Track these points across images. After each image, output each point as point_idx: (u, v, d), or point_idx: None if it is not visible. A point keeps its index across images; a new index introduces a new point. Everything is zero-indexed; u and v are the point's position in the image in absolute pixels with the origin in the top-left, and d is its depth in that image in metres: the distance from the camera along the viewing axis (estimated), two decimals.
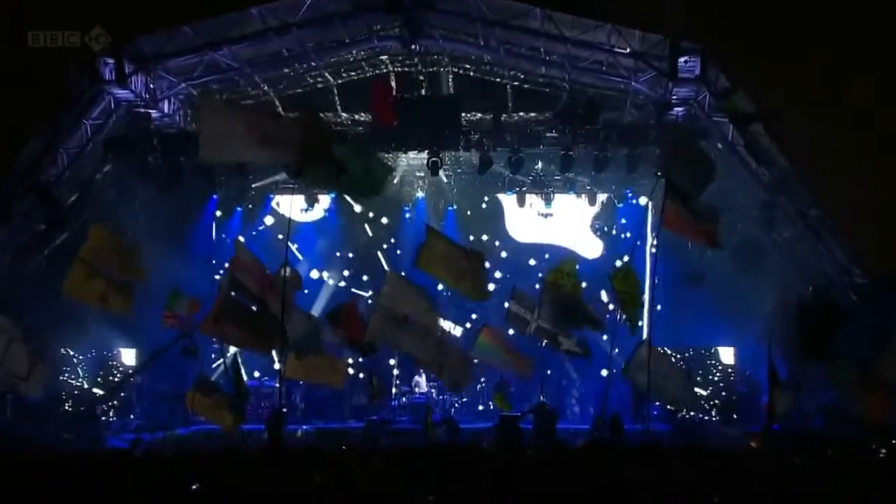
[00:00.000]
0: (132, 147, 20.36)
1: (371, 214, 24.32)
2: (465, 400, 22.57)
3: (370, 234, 24.71)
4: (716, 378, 21.22)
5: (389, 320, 13.75)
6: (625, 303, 13.33)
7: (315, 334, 14.08)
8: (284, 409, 19.76)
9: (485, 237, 24.92)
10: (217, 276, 22.73)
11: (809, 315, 17.80)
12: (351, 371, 22.96)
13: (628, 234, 23.49)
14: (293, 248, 23.13)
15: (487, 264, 15.20)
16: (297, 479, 8.03)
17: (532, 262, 24.53)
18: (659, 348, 13.25)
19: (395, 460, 8.86)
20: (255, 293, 12.88)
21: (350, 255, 24.75)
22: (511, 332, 16.93)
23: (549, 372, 21.91)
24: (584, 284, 21.59)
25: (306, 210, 23.73)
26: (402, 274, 15.23)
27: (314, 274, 23.87)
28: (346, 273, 24.54)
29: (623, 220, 23.88)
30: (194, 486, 7.84)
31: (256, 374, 22.39)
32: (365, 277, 24.54)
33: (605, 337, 17.84)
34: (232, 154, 11.44)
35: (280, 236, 23.31)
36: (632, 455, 9.35)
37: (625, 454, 9.47)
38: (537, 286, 22.14)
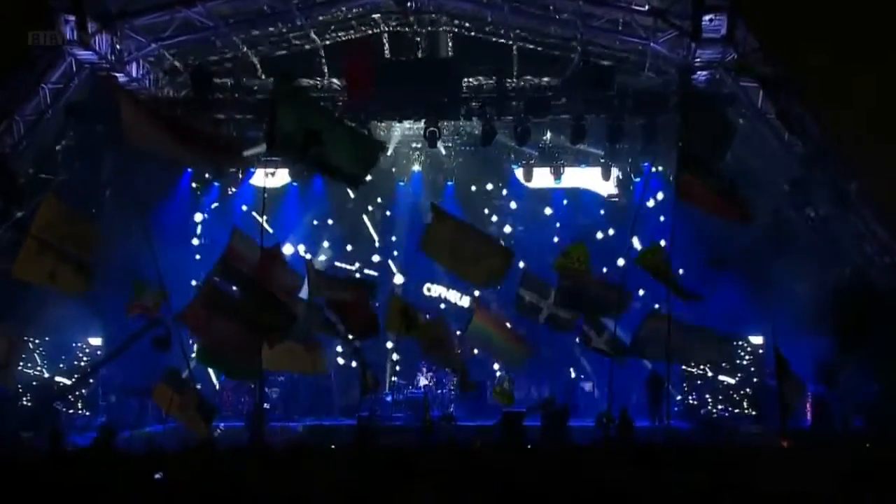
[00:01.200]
0: (97, 114, 19.87)
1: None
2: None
3: (352, 195, 24.29)
4: (744, 364, 21.04)
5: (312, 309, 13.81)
6: (660, 282, 13.31)
7: (308, 322, 13.92)
8: (266, 405, 19.68)
9: (489, 186, 24.59)
10: (189, 243, 22.90)
11: (847, 300, 17.70)
12: (341, 361, 22.95)
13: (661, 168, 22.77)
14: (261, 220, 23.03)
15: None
16: (282, 479, 8.14)
17: (548, 210, 24.28)
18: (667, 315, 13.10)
19: (388, 460, 8.92)
20: (255, 282, 12.69)
21: (330, 221, 24.44)
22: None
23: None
24: (611, 232, 21.82)
25: (273, 174, 23.21)
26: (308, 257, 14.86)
27: (287, 249, 23.26)
28: (325, 245, 24.21)
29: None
30: (158, 475, 8.08)
31: None
32: (349, 247, 24.31)
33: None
34: (157, 146, 11.61)
35: (245, 207, 23.28)
36: (644, 456, 9.41)
37: (635, 455, 9.62)
38: (556, 240, 21.94)
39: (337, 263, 23.70)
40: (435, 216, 13.74)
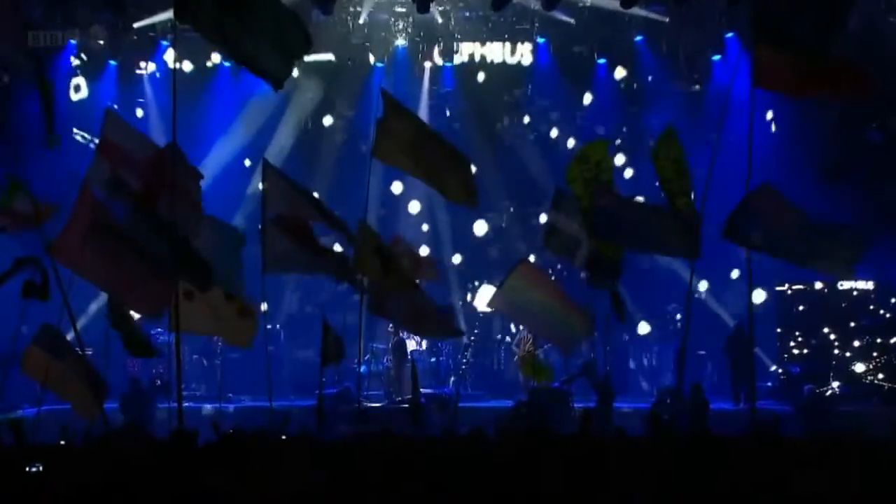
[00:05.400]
0: None
1: None
2: (470, 361, 22.36)
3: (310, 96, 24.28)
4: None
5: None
6: (672, 193, 13.33)
7: (233, 260, 13.65)
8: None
9: (514, 92, 24.80)
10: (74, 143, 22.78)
11: None
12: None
13: None
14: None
15: (474, 168, 15.06)
16: (208, 480, 8.33)
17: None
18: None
19: (358, 454, 9.10)
20: (143, 192, 12.42)
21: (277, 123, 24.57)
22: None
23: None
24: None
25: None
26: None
27: None
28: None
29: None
30: (34, 468, 8.53)
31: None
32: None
33: None
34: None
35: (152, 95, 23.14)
36: (721, 450, 9.27)
37: (710, 449, 9.46)
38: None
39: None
40: (387, 109, 13.55)
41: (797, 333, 21.73)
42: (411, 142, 13.60)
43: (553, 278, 16.38)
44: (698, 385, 17.64)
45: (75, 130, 23.40)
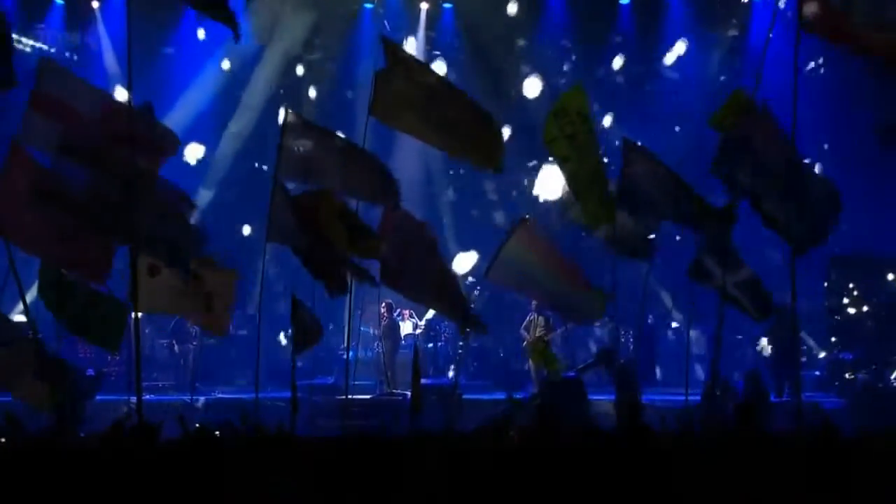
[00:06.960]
0: None
1: None
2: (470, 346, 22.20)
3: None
4: None
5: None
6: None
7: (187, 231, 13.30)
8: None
9: (520, 41, 24.87)
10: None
11: None
12: None
13: None
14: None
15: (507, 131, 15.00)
16: (173, 482, 8.37)
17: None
18: None
19: (342, 455, 8.95)
20: (87, 151, 12.26)
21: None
22: None
23: None
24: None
25: None
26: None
27: None
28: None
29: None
30: None
31: None
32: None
33: None
34: None
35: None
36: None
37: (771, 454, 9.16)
38: None
39: None
40: (390, 60, 13.43)
41: (851, 289, 21.62)
42: (420, 98, 13.43)
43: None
44: (756, 375, 17.28)
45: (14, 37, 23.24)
